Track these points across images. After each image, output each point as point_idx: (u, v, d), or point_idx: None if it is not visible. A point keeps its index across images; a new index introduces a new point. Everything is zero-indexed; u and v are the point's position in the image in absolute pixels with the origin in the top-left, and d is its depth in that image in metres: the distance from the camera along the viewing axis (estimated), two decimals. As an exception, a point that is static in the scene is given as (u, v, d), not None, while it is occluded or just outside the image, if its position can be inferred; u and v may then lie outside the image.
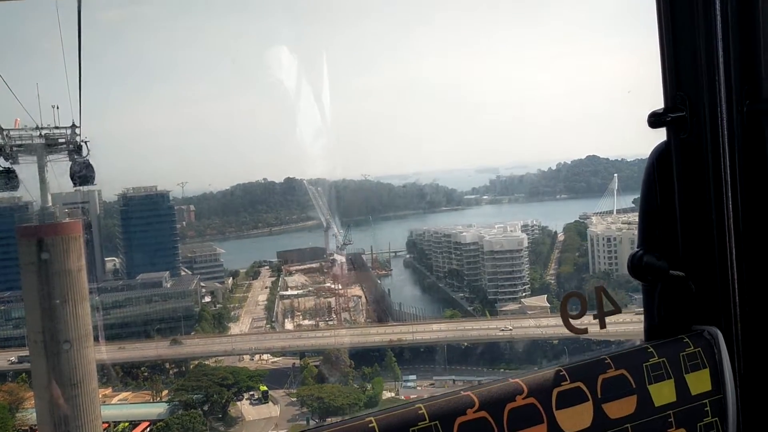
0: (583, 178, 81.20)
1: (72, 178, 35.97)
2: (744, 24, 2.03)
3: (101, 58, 77.97)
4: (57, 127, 36.68)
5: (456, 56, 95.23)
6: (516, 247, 61.82)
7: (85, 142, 36.11)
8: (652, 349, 1.99)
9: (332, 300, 63.01)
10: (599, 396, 1.85)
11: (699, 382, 2.01)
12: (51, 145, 36.70)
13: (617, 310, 2.07)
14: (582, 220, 70.14)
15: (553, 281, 64.27)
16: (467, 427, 1.68)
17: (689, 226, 2.12)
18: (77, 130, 36.33)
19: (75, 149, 36.15)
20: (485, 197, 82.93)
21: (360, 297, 65.11)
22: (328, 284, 65.85)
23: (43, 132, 36.50)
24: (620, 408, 1.88)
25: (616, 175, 71.58)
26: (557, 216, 72.58)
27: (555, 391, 1.80)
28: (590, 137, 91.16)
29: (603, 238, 61.86)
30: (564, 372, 1.84)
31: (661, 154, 2.15)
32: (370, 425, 1.62)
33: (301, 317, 61.18)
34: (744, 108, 2.04)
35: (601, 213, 70.34)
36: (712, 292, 2.11)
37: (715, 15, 2.02)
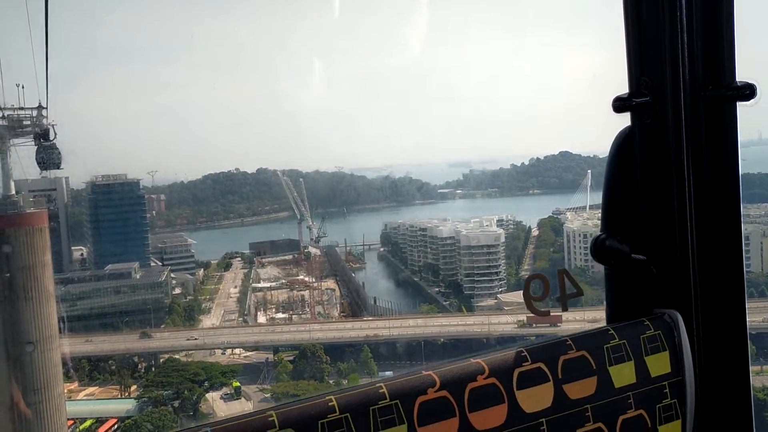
0: (556, 173, 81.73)
1: (38, 163, 34.25)
2: (708, 9, 2.03)
3: (71, 40, 75.87)
4: (22, 108, 34.65)
5: (430, 49, 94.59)
6: (493, 242, 61.52)
7: (53, 126, 34.31)
8: (613, 332, 2.00)
9: (306, 293, 62.22)
10: (560, 377, 1.86)
11: (659, 364, 2.03)
12: (15, 127, 34.74)
13: (580, 293, 2.09)
14: (556, 216, 70.27)
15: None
16: (428, 406, 1.68)
17: (651, 210, 2.15)
18: (44, 112, 34.44)
19: (41, 133, 34.30)
20: (459, 191, 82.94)
21: (334, 290, 64.43)
22: (302, 277, 65.05)
23: (6, 113, 34.44)
24: (581, 389, 1.89)
25: (589, 171, 72.00)
26: (531, 211, 72.76)
27: (516, 372, 1.81)
28: (562, 133, 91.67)
29: (579, 235, 61.82)
30: (525, 353, 1.84)
31: (624, 138, 2.18)
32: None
33: (274, 310, 60.23)
34: (706, 93, 2.04)
35: (574, 209, 70.56)
36: (672, 276, 2.13)
37: (681, 0, 2.04)
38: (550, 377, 1.85)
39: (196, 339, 52.35)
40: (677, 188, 2.10)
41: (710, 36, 2.04)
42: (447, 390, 1.71)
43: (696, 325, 2.12)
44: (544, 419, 1.83)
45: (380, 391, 1.65)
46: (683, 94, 2.06)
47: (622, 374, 1.96)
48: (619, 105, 2.15)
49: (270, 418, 1.55)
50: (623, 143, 2.17)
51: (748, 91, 2.01)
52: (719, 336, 2.13)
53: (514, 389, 1.79)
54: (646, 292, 2.14)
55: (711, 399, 2.12)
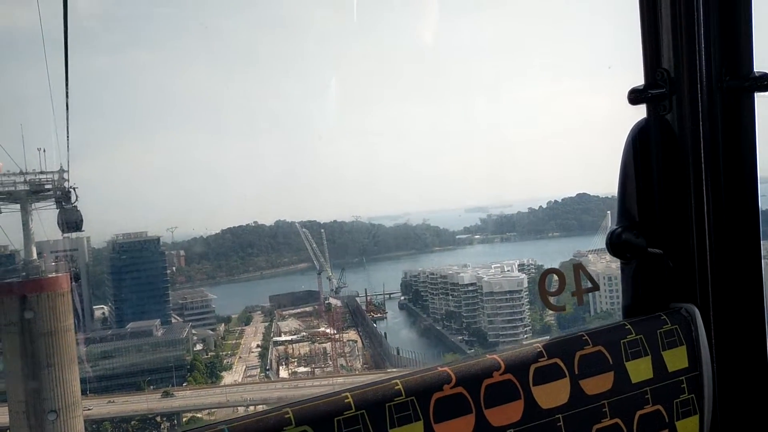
0: (574, 215, 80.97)
1: (60, 226, 34.40)
2: None
3: (91, 103, 77.28)
4: (42, 172, 34.97)
5: (441, 95, 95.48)
6: (516, 287, 60.77)
7: (74, 188, 34.56)
8: (629, 326, 1.98)
9: (327, 345, 61.44)
10: (576, 372, 1.85)
11: (676, 359, 2.00)
12: (36, 191, 35.03)
13: (595, 287, 2.12)
14: (577, 259, 69.32)
15: (553, 321, 63.08)
16: (444, 402, 1.69)
17: (667, 203, 2.11)
18: (65, 175, 34.74)
19: (62, 196, 34.53)
20: (477, 237, 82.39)
21: (356, 341, 63.57)
22: (323, 329, 64.34)
23: (28, 177, 34.81)
24: (597, 384, 1.88)
25: (609, 212, 71.15)
26: (551, 254, 71.85)
27: (532, 368, 1.80)
28: (579, 175, 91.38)
29: (604, 277, 60.76)
30: (541, 348, 1.84)
31: (640, 131, 2.13)
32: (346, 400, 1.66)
33: (295, 364, 59.45)
34: (724, 84, 2.00)
35: (596, 251, 69.61)
36: (689, 270, 2.10)
37: None
38: (567, 373, 1.83)
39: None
40: (694, 181, 2.06)
41: (727, 25, 2.00)
42: (463, 386, 1.70)
43: (713, 320, 2.09)
44: (560, 415, 1.80)
45: (396, 387, 1.64)
46: (700, 85, 2.01)
47: (639, 369, 1.95)
48: (635, 97, 2.11)
49: (286, 415, 1.54)
50: (639, 135, 2.12)
51: (766, 82, 1.97)
52: (737, 330, 2.10)
53: (531, 385, 1.78)
54: (663, 287, 2.11)
55: (729, 394, 2.09)
